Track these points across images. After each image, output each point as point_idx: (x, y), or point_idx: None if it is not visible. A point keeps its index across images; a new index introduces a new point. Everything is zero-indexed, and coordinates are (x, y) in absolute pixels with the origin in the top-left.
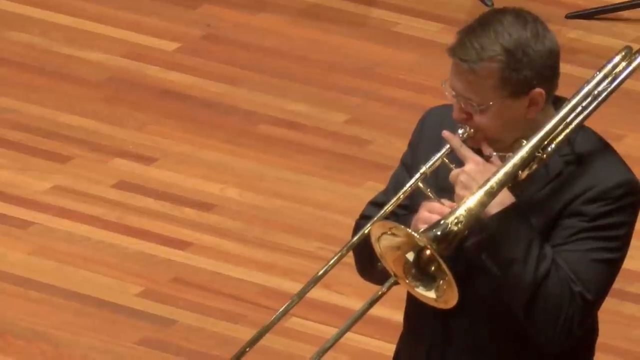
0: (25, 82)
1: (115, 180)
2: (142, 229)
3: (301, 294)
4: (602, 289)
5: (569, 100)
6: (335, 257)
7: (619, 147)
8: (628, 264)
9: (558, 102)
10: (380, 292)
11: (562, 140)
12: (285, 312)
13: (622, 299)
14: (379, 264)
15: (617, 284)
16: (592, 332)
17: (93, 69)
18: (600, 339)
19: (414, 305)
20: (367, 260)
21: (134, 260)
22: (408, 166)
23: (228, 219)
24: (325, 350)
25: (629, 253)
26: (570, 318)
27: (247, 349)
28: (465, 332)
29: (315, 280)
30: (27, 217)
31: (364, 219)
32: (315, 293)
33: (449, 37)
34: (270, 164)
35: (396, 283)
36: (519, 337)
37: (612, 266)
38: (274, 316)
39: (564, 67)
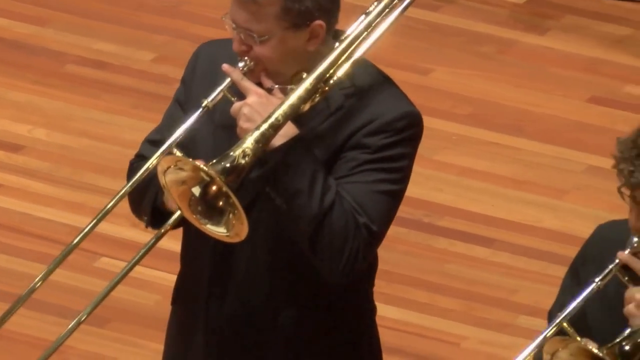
0: None
1: None
2: None
3: (85, 234)
4: (386, 220)
5: (350, 32)
6: (120, 194)
7: (427, 81)
8: (438, 198)
9: (339, 36)
10: (163, 230)
11: (345, 72)
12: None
13: (433, 234)
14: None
15: (427, 218)
16: (371, 264)
17: None
18: (413, 274)
19: (191, 241)
20: (139, 202)
21: None
22: (182, 103)
23: (36, 160)
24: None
25: (439, 187)
26: (356, 249)
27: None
28: (247, 262)
29: (102, 215)
30: None
31: (139, 157)
32: (124, 232)
33: None
34: (78, 104)
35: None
36: (301, 269)
37: (396, 197)
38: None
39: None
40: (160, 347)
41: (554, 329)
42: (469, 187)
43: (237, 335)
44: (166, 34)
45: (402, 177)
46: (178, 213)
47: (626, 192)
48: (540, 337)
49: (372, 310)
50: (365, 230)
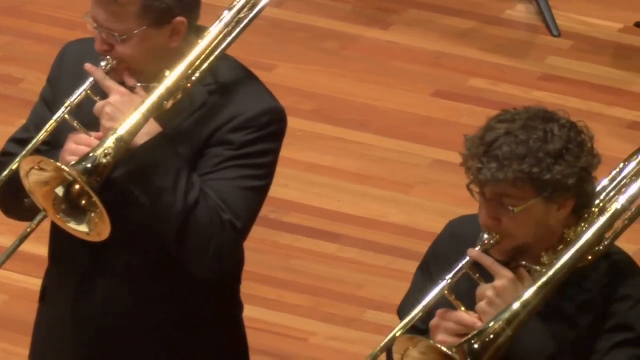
0: None
1: None
2: None
3: None
4: (251, 216)
5: (212, 29)
6: None
7: (270, 77)
8: (284, 194)
9: (201, 32)
10: (29, 229)
11: (207, 68)
12: None
13: (278, 229)
14: (27, 200)
15: (273, 214)
16: (238, 261)
17: None
18: (260, 271)
19: (61, 239)
20: (11, 199)
21: None
22: (48, 101)
23: None
24: None
25: (284, 183)
26: (221, 246)
27: None
28: (116, 262)
29: None
30: None
31: (4, 155)
32: None
33: None
34: None
35: (46, 217)
36: (168, 266)
37: (260, 193)
38: None
39: None
40: (8, 346)
41: (402, 328)
42: (315, 183)
43: (105, 332)
44: (10, 34)
45: (266, 172)
46: (40, 216)
47: (475, 189)
48: (390, 336)
49: (239, 306)
50: (229, 226)
